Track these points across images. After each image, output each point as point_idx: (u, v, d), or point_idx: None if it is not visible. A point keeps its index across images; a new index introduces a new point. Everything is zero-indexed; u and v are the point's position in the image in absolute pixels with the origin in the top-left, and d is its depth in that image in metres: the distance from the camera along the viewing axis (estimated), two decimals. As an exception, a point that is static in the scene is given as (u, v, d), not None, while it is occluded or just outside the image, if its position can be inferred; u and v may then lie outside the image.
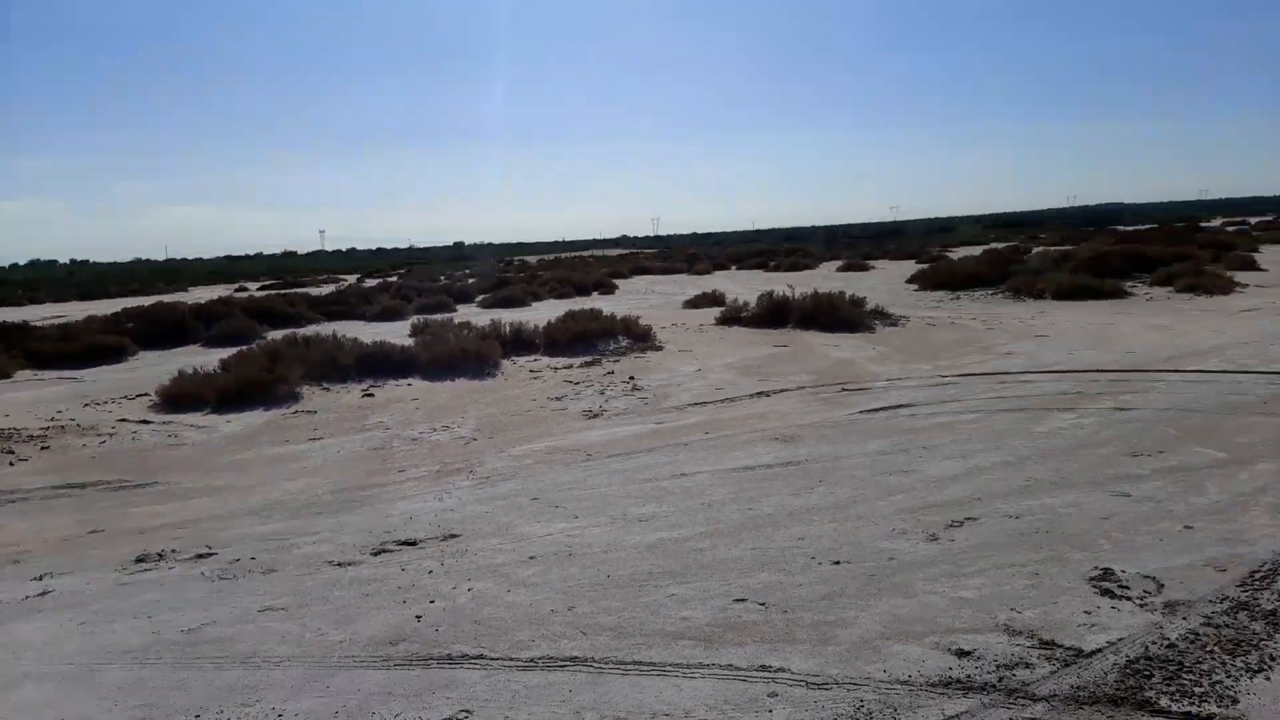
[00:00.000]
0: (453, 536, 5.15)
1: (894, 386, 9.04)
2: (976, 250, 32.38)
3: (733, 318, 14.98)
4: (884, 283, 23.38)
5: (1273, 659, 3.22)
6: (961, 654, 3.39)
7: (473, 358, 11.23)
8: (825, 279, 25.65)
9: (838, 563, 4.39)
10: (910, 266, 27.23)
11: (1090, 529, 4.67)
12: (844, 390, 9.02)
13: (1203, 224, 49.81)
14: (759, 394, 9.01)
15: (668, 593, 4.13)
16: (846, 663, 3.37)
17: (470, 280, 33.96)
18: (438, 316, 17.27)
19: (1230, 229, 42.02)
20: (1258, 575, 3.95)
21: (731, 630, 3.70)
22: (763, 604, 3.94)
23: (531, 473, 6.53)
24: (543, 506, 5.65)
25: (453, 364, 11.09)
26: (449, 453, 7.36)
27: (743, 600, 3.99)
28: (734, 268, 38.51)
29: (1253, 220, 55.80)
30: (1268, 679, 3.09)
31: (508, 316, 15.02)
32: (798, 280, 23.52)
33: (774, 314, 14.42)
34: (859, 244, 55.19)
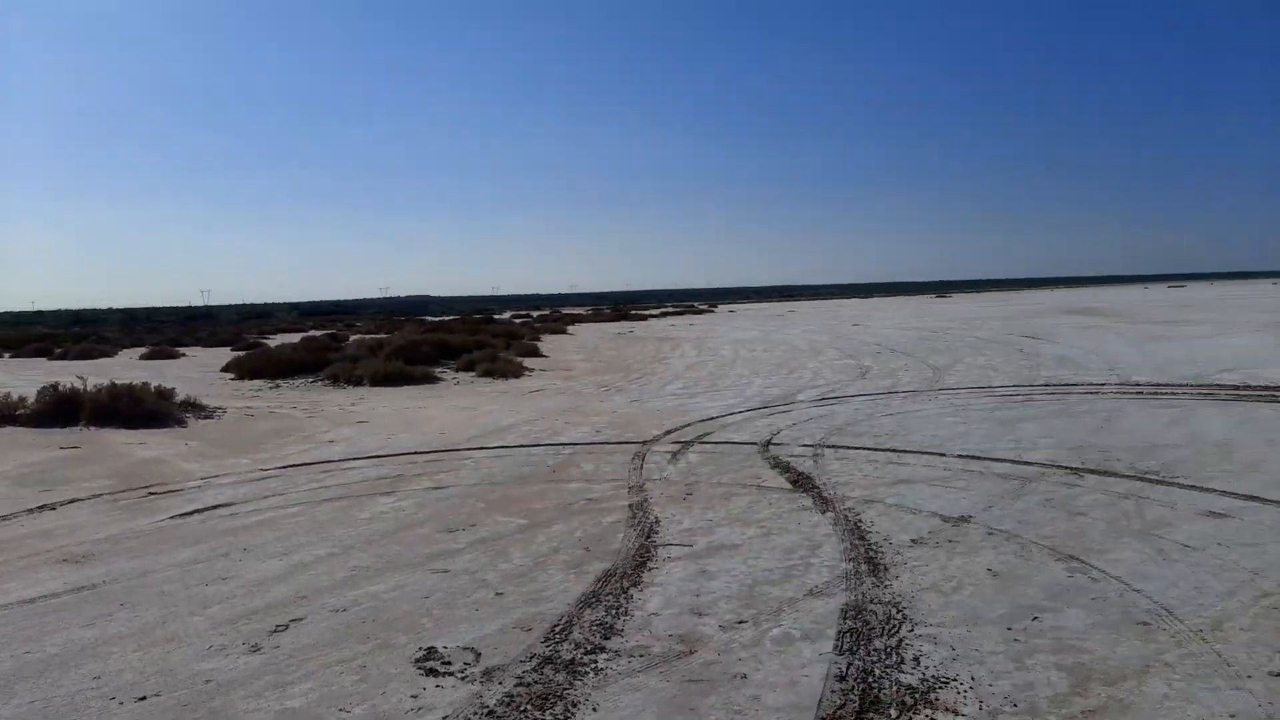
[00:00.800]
0: None
1: (210, 485, 8.35)
2: (295, 337, 32.32)
3: (3, 417, 12.46)
4: (197, 371, 21.86)
5: (574, 705, 3.58)
6: (290, 776, 3.12)
7: None
8: (127, 368, 23.05)
9: (144, 698, 3.77)
10: (226, 354, 25.96)
11: (414, 610, 4.77)
12: (151, 494, 8.04)
13: (496, 315, 57.08)
14: (42, 508, 7.54)
15: (-109, 793, 3.08)
16: (153, 823, 2.84)
17: None
18: None
19: (518, 320, 48.78)
20: (558, 629, 4.41)
21: (-8, 822, 2.88)
22: (39, 775, 3.16)
23: None
24: None
25: None
26: None
27: (10, 777, 3.16)
28: (7, 355, 32.47)
29: (535, 313, 65.66)
30: (570, 726, 3.41)
31: None
32: (91, 370, 20.68)
33: (61, 410, 12.35)
34: (165, 329, 51.25)
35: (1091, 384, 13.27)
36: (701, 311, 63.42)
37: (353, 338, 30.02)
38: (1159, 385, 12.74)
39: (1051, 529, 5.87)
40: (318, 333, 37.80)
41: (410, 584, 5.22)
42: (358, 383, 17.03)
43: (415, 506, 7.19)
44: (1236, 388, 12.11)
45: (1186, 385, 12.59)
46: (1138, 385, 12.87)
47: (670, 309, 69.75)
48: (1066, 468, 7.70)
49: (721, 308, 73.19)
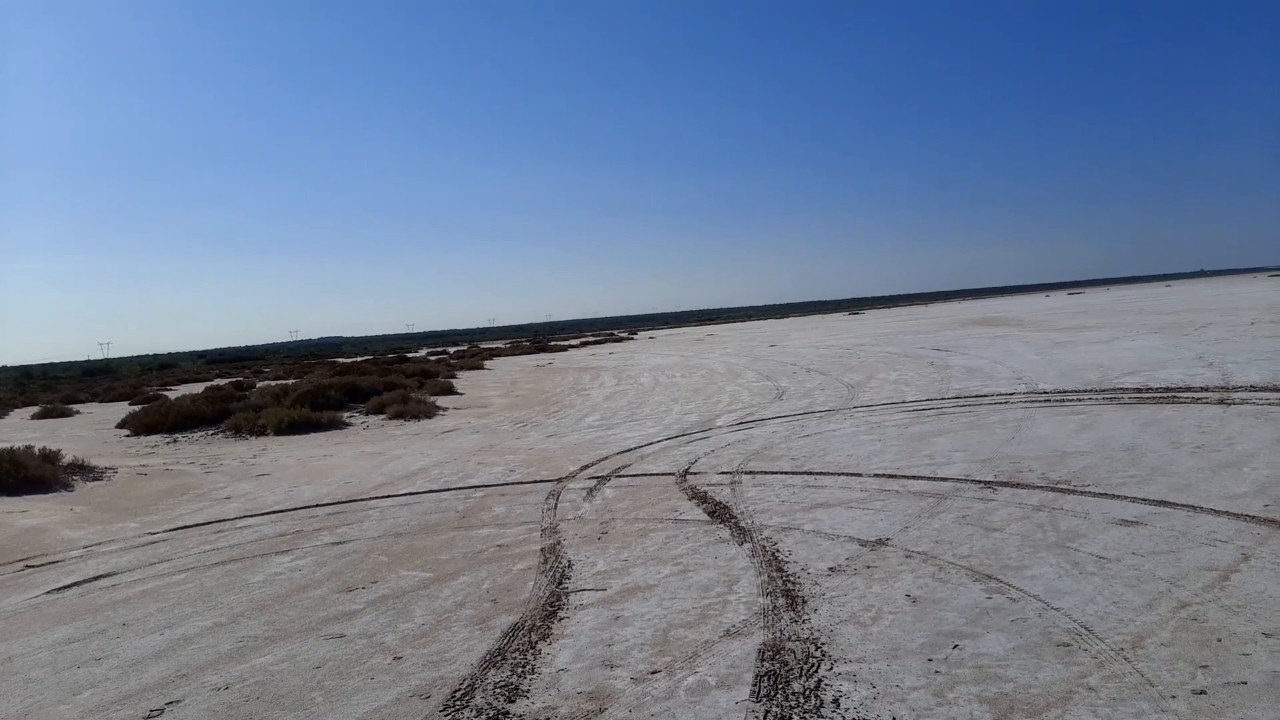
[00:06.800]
0: None
1: (94, 553, 7.77)
2: (199, 387, 31.12)
3: None
4: (91, 428, 20.76)
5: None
6: None
7: None
8: (17, 429, 21.78)
9: (-15, 815, 3.34)
10: (124, 409, 24.75)
11: (303, 683, 4.40)
12: (28, 567, 7.44)
13: (410, 354, 55.95)
14: (-103, 591, 6.88)
15: None
16: None
17: None
18: None
19: (434, 357, 47.92)
20: (458, 695, 4.10)
21: None
22: None
23: None
24: None
25: None
26: None
27: None
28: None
29: (451, 350, 64.59)
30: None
31: None
32: (-25, 434, 19.47)
33: (-67, 480, 11.48)
34: (61, 385, 48.93)
35: (1000, 394, 13.46)
36: (622, 339, 63.29)
37: (258, 385, 28.97)
38: (1065, 392, 12.99)
39: (968, 547, 5.79)
40: (222, 381, 36.47)
41: (301, 653, 4.84)
42: (261, 432, 16.33)
43: (313, 565, 6.77)
44: (1139, 390, 12.41)
45: (1091, 391, 12.86)
46: (1044, 393, 13.10)
47: (591, 338, 69.52)
48: (980, 481, 7.69)
49: (641, 334, 73.26)
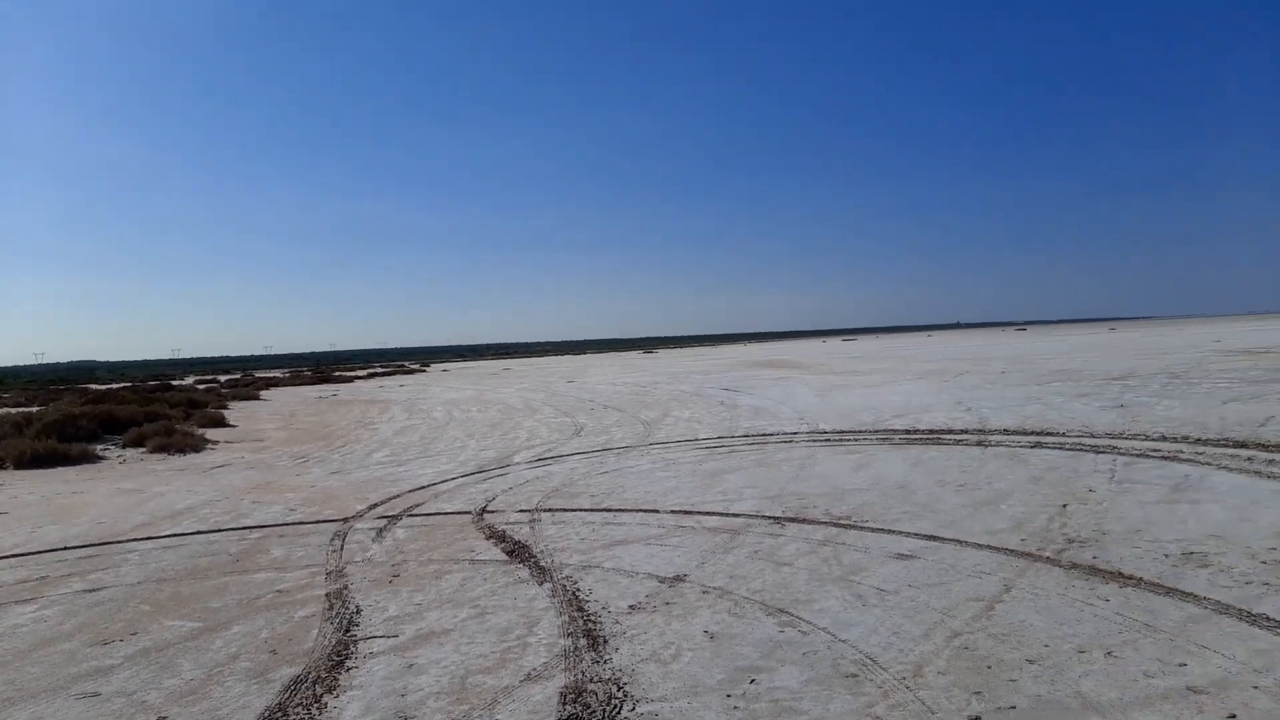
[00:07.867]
0: None
1: None
2: (-79, 414, 27.40)
3: None
4: None
5: None
6: None
7: None
8: None
9: None
10: None
11: (47, 754, 3.88)
12: None
13: (176, 381, 51.88)
14: None
15: None
16: None
17: None
18: None
19: (202, 386, 44.64)
20: (232, 757, 3.74)
21: None
22: None
23: None
24: None
25: None
26: None
27: None
28: None
29: (223, 378, 60.43)
30: None
31: None
32: None
33: None
34: None
35: (785, 433, 14.13)
36: (413, 371, 61.57)
37: (-3, 412, 25.85)
38: (843, 432, 13.81)
39: (761, 582, 5.97)
40: (-49, 407, 32.28)
41: (48, 716, 4.28)
42: (-2, 466, 14.52)
43: (62, 615, 6.04)
44: (907, 432, 13.38)
45: (865, 431, 13.74)
46: (825, 433, 13.87)
47: (380, 369, 67.19)
48: (770, 517, 7.98)
49: (434, 367, 71.59)
